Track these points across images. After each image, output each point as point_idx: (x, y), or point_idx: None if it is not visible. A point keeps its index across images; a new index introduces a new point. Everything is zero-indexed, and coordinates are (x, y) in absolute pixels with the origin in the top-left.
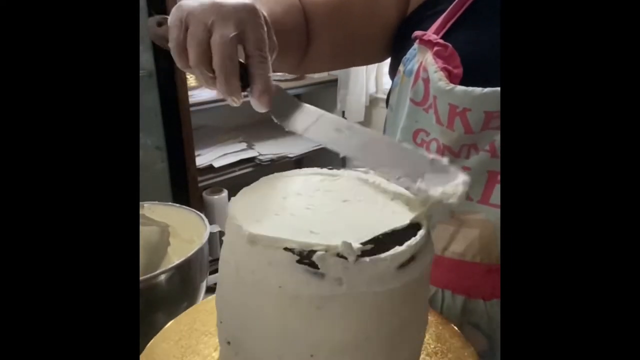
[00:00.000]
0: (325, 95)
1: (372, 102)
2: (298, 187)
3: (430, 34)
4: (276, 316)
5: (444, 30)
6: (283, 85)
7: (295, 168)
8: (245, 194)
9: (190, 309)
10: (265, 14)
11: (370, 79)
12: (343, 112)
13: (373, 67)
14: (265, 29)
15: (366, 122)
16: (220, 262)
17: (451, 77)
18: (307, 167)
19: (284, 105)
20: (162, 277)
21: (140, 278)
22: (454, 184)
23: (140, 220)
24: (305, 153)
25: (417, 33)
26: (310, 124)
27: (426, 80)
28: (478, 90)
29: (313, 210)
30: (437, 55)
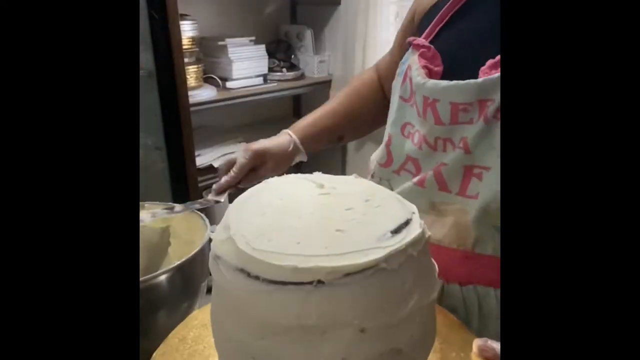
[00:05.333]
0: (323, 95)
1: None
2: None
3: (420, 39)
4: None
5: (433, 35)
6: (282, 85)
7: (295, 168)
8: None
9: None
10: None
11: None
12: None
13: None
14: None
15: None
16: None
17: (432, 74)
18: (306, 168)
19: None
20: (163, 277)
21: (141, 278)
22: None
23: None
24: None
25: (410, 39)
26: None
27: (411, 79)
28: (444, 82)
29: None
30: (421, 56)
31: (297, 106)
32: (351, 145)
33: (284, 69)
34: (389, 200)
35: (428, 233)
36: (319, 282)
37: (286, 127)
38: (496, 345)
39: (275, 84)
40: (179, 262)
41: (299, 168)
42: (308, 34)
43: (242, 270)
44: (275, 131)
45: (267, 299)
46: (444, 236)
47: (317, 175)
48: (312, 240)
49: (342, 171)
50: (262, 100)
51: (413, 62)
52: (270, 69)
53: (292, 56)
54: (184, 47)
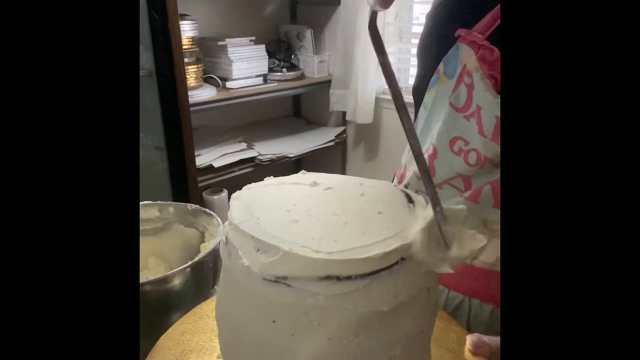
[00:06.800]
0: (323, 95)
1: (377, 102)
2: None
3: (475, 34)
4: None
5: (491, 30)
6: (282, 85)
7: (295, 168)
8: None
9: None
10: None
11: (374, 79)
12: (344, 113)
13: (378, 68)
14: None
15: (376, 123)
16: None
17: (498, 85)
18: (307, 167)
19: None
20: (177, 277)
21: (155, 278)
22: None
23: (181, 221)
24: (305, 153)
25: (461, 31)
26: None
27: (470, 86)
28: None
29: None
30: (481, 59)
31: (297, 106)
32: (351, 145)
33: (284, 69)
34: (378, 186)
35: None
36: (402, 259)
37: (286, 127)
38: (487, 339)
39: (275, 84)
40: (192, 261)
41: (299, 166)
42: (308, 34)
43: (328, 277)
44: (275, 131)
45: (363, 294)
46: (497, 260)
47: (295, 177)
48: (353, 232)
49: (343, 171)
50: (262, 100)
51: (472, 67)
52: (270, 69)
53: (292, 56)
54: (184, 47)
